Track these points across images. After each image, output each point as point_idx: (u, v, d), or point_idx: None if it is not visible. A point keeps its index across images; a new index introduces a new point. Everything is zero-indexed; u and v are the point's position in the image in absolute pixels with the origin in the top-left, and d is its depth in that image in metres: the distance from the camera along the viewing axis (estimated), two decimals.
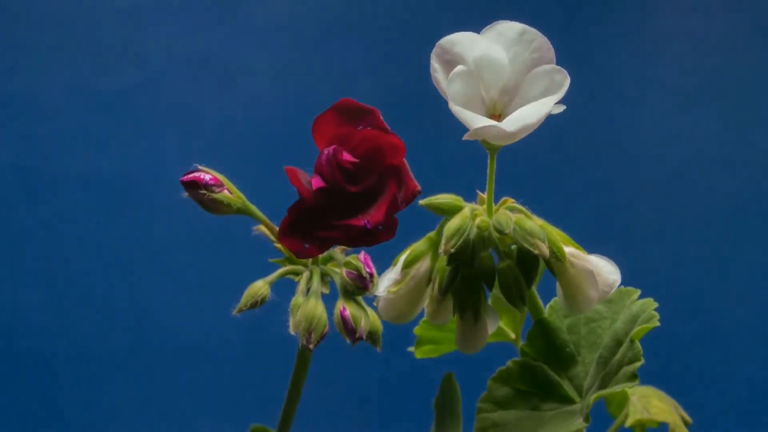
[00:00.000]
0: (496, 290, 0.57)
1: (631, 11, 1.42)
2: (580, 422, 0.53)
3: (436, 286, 0.56)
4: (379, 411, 1.36)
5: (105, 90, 1.38)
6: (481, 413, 0.57)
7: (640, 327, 0.55)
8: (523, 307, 0.56)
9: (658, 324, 0.55)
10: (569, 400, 0.56)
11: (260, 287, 0.58)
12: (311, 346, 0.56)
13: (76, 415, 1.34)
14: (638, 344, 0.54)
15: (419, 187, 0.54)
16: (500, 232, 0.54)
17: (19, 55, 1.38)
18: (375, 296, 0.58)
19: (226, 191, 0.60)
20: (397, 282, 0.58)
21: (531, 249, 0.53)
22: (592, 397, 0.53)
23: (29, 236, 1.36)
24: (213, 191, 0.60)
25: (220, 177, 0.61)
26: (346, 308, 0.57)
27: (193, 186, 0.60)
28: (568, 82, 0.53)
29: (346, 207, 0.55)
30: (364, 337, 0.57)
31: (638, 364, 0.53)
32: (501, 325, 0.65)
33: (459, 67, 0.53)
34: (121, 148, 1.37)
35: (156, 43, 1.39)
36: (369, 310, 0.58)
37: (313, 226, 0.55)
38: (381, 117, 0.55)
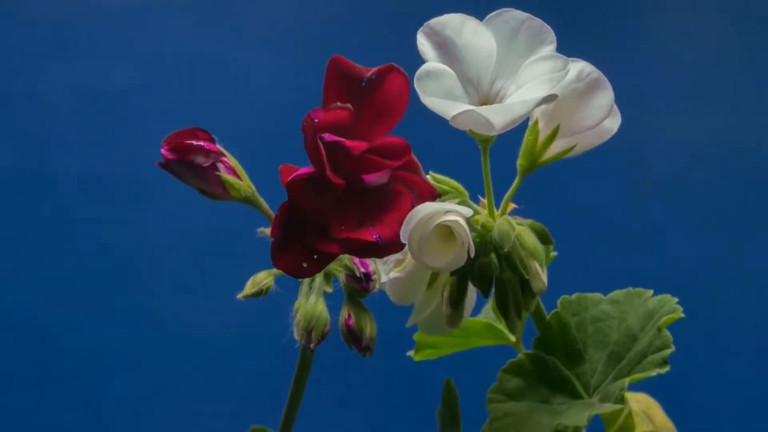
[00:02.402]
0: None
1: (632, 11, 1.42)
2: (609, 405, 0.53)
3: (446, 296, 0.54)
4: (380, 412, 1.36)
5: (105, 90, 1.37)
6: (491, 403, 0.56)
7: (667, 317, 0.54)
8: (518, 321, 0.55)
9: (682, 315, 0.55)
10: (578, 396, 0.56)
11: (264, 276, 0.56)
12: (312, 346, 0.54)
13: (76, 415, 1.34)
14: (667, 332, 0.54)
15: (438, 190, 0.50)
16: (500, 246, 0.52)
17: (19, 55, 1.38)
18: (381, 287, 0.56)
19: (222, 166, 0.54)
20: (400, 261, 0.56)
21: (524, 273, 0.52)
22: (627, 380, 0.53)
23: (29, 236, 1.36)
24: (205, 159, 0.53)
25: (227, 154, 0.55)
26: (351, 316, 0.55)
27: (182, 154, 0.53)
28: (569, 68, 0.51)
29: (346, 207, 0.49)
30: (371, 345, 0.55)
31: (668, 351, 0.53)
32: (501, 328, 0.64)
33: (428, 65, 0.51)
34: (121, 148, 1.37)
35: (156, 43, 1.39)
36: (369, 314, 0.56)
37: (309, 235, 0.48)
38: (377, 68, 0.50)
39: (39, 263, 1.36)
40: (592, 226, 1.36)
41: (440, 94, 0.51)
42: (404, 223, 0.48)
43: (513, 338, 0.65)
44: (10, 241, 1.36)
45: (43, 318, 1.35)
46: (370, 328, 0.55)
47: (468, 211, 0.50)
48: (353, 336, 0.55)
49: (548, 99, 0.50)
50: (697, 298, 1.31)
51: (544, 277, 0.52)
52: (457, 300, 0.54)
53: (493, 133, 0.51)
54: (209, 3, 1.42)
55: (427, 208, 0.49)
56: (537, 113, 0.54)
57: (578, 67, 0.53)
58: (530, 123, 0.55)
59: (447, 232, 0.51)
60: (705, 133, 1.39)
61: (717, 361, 1.32)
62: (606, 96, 0.54)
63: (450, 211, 0.49)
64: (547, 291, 0.55)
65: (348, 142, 0.48)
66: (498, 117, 0.49)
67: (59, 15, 1.38)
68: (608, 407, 0.52)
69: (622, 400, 0.52)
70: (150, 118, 1.38)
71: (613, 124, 0.55)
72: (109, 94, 1.37)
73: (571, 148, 0.55)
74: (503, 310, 0.54)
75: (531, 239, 0.52)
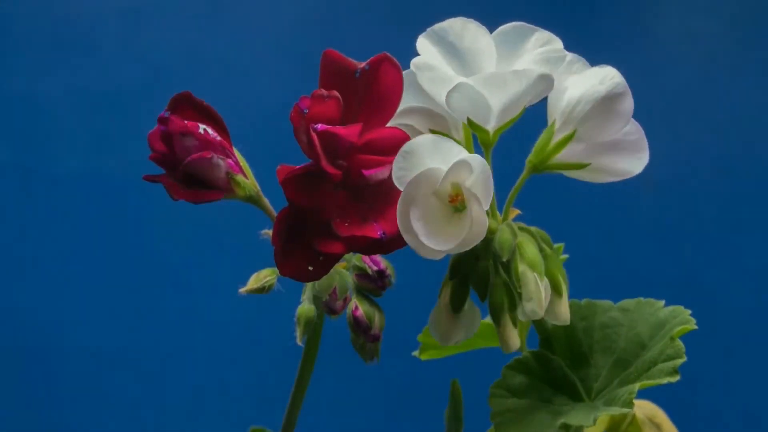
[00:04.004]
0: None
1: (631, 11, 1.42)
2: (617, 408, 0.53)
3: (447, 301, 0.53)
4: (382, 412, 1.36)
5: (105, 90, 1.37)
6: (493, 398, 0.56)
7: (681, 327, 0.55)
8: (509, 326, 0.53)
9: (695, 327, 0.55)
10: (579, 399, 0.56)
11: (268, 273, 0.55)
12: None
13: (76, 415, 1.34)
14: (679, 342, 0.54)
15: None
16: (498, 256, 0.51)
17: (19, 55, 1.37)
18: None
19: (230, 163, 0.52)
20: None
21: (518, 286, 0.51)
22: (637, 385, 0.53)
23: (29, 236, 1.36)
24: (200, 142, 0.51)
25: (235, 151, 0.53)
26: (358, 307, 0.54)
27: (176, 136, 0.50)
28: (566, 54, 0.50)
29: (347, 204, 0.48)
30: (380, 335, 0.54)
31: (680, 361, 0.53)
32: None
33: (429, 59, 0.51)
34: (121, 147, 1.36)
35: (156, 43, 1.39)
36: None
37: (311, 237, 0.47)
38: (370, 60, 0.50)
39: (39, 263, 1.36)
40: (591, 227, 1.36)
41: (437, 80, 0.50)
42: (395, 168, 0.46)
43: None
44: (10, 241, 1.36)
45: (43, 318, 1.35)
46: (378, 318, 0.54)
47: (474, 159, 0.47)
48: (361, 326, 0.54)
49: (543, 78, 0.49)
50: (697, 299, 1.31)
51: (542, 298, 0.50)
52: (457, 305, 0.53)
53: (492, 123, 0.51)
54: (210, 2, 1.41)
55: (420, 162, 0.46)
56: (555, 114, 0.54)
57: (603, 71, 0.53)
58: (548, 124, 0.54)
59: (447, 208, 0.48)
60: (705, 133, 1.39)
61: (719, 363, 1.32)
62: (626, 103, 0.53)
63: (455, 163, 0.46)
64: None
65: (341, 130, 0.47)
66: (492, 92, 0.49)
67: (59, 14, 1.38)
68: (616, 410, 0.52)
69: (630, 404, 0.52)
70: (150, 118, 1.37)
71: (634, 166, 0.54)
72: (109, 94, 1.37)
73: (586, 165, 0.54)
74: (494, 314, 0.53)
75: (531, 250, 0.51)
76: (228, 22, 1.41)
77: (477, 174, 0.47)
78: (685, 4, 1.42)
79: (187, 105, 0.52)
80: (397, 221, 0.47)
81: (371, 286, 0.54)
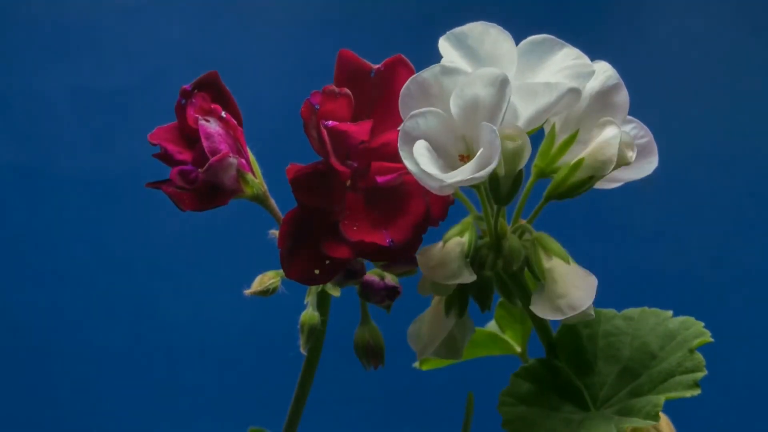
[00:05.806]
0: (503, 300, 0.55)
1: (632, 11, 1.42)
2: (639, 420, 0.52)
3: (442, 305, 0.53)
4: (382, 414, 1.36)
5: (105, 90, 1.37)
6: (503, 406, 0.56)
7: (699, 340, 0.55)
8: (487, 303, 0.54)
9: (711, 340, 0.55)
10: (586, 407, 0.56)
11: (272, 276, 0.54)
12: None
13: (76, 415, 1.34)
14: (699, 355, 0.54)
15: (452, 198, 0.49)
16: (508, 266, 0.51)
17: (19, 55, 1.37)
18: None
19: (242, 162, 0.51)
20: None
21: (544, 281, 0.51)
22: (662, 398, 0.53)
23: (29, 236, 1.36)
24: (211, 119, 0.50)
25: (247, 150, 0.53)
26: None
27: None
28: (594, 69, 0.50)
29: (357, 208, 0.47)
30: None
31: (701, 374, 0.54)
32: (506, 339, 0.64)
33: (456, 62, 0.50)
34: (121, 147, 1.36)
35: (156, 43, 1.39)
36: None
37: (319, 239, 0.46)
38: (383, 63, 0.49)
39: (39, 263, 1.36)
40: (590, 227, 1.35)
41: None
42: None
43: (518, 348, 0.65)
44: (10, 241, 1.36)
45: (43, 318, 1.34)
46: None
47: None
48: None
49: (572, 92, 0.49)
50: (698, 301, 1.31)
51: (581, 291, 0.50)
52: (450, 308, 0.53)
53: (521, 129, 0.50)
54: (210, 2, 1.41)
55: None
56: (554, 117, 0.53)
57: (594, 66, 0.53)
58: (548, 127, 0.54)
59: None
60: (705, 132, 1.39)
61: (721, 367, 1.31)
62: (620, 94, 0.53)
63: None
64: None
65: (351, 127, 0.47)
66: (522, 101, 0.48)
67: (59, 15, 1.37)
68: (639, 423, 0.52)
69: (656, 417, 0.52)
70: (150, 117, 1.37)
71: (644, 170, 0.54)
72: (109, 94, 1.37)
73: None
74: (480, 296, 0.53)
75: (554, 243, 0.51)
76: (229, 22, 1.41)
77: (484, 101, 0.46)
78: (685, 4, 1.42)
79: (211, 88, 0.51)
80: (398, 149, 0.45)
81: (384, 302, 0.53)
